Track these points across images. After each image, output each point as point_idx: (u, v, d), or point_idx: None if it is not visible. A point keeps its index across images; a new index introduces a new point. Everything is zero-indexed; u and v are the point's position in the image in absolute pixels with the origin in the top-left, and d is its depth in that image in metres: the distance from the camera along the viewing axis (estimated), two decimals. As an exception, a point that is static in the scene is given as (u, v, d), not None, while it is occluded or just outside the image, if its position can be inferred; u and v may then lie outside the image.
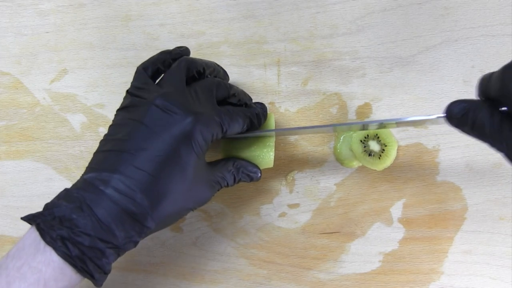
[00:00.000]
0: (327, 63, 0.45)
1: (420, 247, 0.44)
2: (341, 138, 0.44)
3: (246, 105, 0.40)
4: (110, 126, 0.34)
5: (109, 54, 0.46)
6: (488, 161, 0.44)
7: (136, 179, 0.31)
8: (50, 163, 0.46)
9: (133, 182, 0.31)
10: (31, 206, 0.46)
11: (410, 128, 0.44)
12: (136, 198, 0.31)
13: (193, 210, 0.35)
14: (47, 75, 0.46)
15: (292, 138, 0.45)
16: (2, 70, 0.46)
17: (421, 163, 0.44)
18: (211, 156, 0.44)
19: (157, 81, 0.37)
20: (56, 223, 0.30)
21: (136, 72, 0.36)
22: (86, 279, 0.31)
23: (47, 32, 0.46)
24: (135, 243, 0.32)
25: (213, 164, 0.38)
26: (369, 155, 0.43)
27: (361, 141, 0.43)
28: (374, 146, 0.43)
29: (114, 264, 0.32)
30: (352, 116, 0.45)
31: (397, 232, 0.45)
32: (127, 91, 0.36)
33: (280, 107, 0.45)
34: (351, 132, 0.43)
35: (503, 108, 0.30)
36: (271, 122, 0.41)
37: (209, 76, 0.39)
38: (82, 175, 0.33)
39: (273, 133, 0.40)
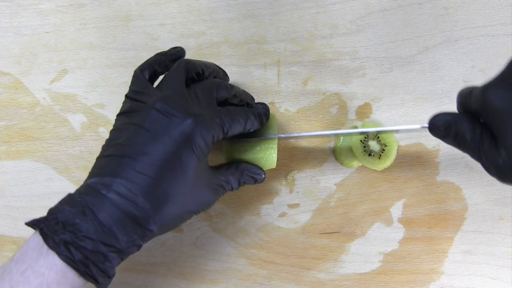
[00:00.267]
0: (327, 63, 0.45)
1: (420, 247, 0.44)
2: (341, 138, 0.44)
3: (248, 105, 0.40)
4: (111, 131, 0.34)
5: (109, 54, 0.46)
6: (488, 161, 0.44)
7: (138, 183, 0.31)
8: (50, 163, 0.46)
9: (134, 186, 0.31)
10: (31, 206, 0.46)
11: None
12: (138, 202, 0.31)
13: (196, 214, 0.35)
14: (47, 75, 0.46)
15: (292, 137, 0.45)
16: (2, 70, 0.46)
17: (421, 163, 0.44)
18: (214, 159, 0.44)
19: (155, 84, 0.37)
20: (59, 228, 0.30)
21: (133, 76, 0.36)
22: (89, 283, 0.31)
23: (47, 32, 0.46)
24: (138, 247, 0.32)
25: (216, 168, 0.38)
26: (369, 155, 0.43)
27: (361, 141, 0.43)
28: (374, 146, 0.43)
29: (114, 264, 0.32)
30: (352, 116, 0.45)
31: (397, 232, 0.45)
32: (126, 96, 0.35)
33: (280, 107, 0.45)
34: (351, 132, 0.43)
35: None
36: (273, 123, 0.41)
37: (208, 77, 0.39)
38: (85, 180, 0.33)
39: (272, 140, 0.40)
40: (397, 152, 0.44)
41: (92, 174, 0.33)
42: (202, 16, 0.45)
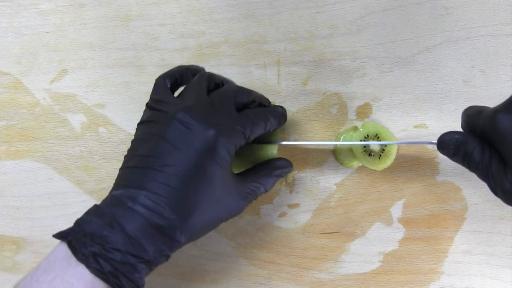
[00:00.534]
0: (327, 63, 0.45)
1: (420, 247, 0.44)
2: (341, 138, 0.44)
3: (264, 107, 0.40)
4: (132, 141, 0.35)
5: (109, 54, 0.46)
6: (488, 161, 0.44)
7: (163, 195, 0.31)
8: (50, 163, 0.46)
9: (160, 198, 0.31)
10: (31, 206, 0.46)
11: (410, 128, 0.44)
12: (164, 213, 0.31)
13: (225, 221, 0.35)
14: (47, 75, 0.46)
15: (292, 138, 0.45)
16: (2, 70, 0.46)
17: (421, 163, 0.44)
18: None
19: (176, 93, 0.37)
20: (87, 240, 0.30)
21: (154, 84, 0.36)
22: None
23: (47, 32, 0.46)
24: (167, 257, 0.32)
25: (242, 175, 0.38)
26: (369, 155, 0.43)
27: (360, 141, 0.43)
28: (374, 146, 0.43)
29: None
30: (352, 116, 0.45)
31: (397, 232, 0.45)
32: (147, 104, 0.35)
33: (280, 107, 0.45)
34: (351, 132, 0.43)
35: None
36: (277, 132, 0.42)
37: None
38: (111, 190, 0.33)
39: (276, 141, 0.41)
40: (397, 152, 0.44)
41: (117, 185, 0.33)
42: (202, 16, 0.45)
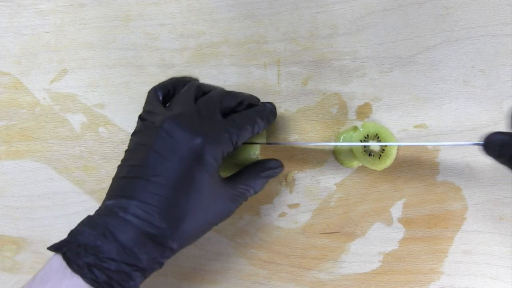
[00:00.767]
0: (327, 63, 0.45)
1: (420, 247, 0.44)
2: (341, 138, 0.44)
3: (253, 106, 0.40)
4: (125, 151, 0.35)
5: (109, 54, 0.46)
6: (488, 161, 0.44)
7: (153, 204, 0.31)
8: (50, 163, 0.46)
9: (150, 207, 0.31)
10: (31, 206, 0.46)
11: (410, 128, 0.44)
12: (155, 222, 0.31)
13: (216, 225, 0.36)
14: (47, 75, 0.46)
15: (292, 138, 0.45)
16: (2, 70, 0.46)
17: (421, 163, 0.44)
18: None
19: (168, 104, 0.37)
20: (81, 251, 0.30)
21: (147, 96, 0.37)
22: None
23: (47, 32, 0.46)
24: (160, 264, 0.33)
25: (230, 179, 0.38)
26: (369, 155, 0.43)
27: (361, 141, 0.43)
28: (374, 146, 0.43)
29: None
30: (352, 116, 0.45)
31: (397, 232, 0.45)
32: (139, 116, 0.36)
33: (280, 107, 0.45)
34: (351, 132, 0.43)
35: None
36: (262, 132, 0.41)
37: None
38: (104, 200, 0.33)
39: (259, 141, 0.40)
40: (397, 152, 0.44)
41: (109, 195, 0.33)
42: (202, 16, 0.45)
